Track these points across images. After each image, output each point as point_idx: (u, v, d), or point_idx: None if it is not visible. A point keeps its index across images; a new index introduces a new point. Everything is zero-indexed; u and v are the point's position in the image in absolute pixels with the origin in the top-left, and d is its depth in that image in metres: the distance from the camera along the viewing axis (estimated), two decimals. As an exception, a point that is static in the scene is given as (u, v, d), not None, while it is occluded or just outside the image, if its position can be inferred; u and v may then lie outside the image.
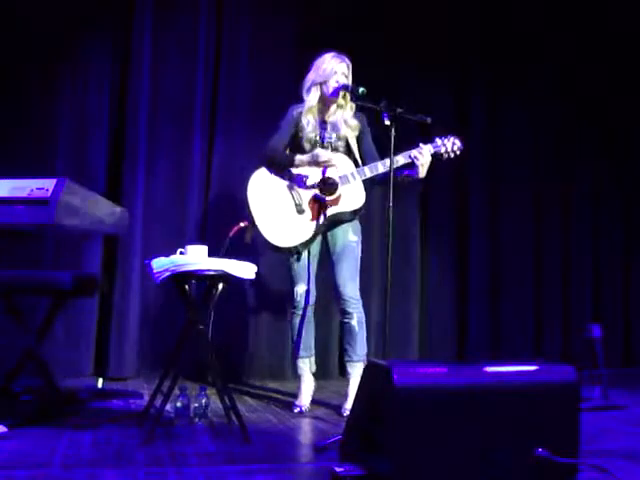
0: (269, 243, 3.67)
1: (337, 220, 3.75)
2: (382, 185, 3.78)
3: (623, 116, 6.06)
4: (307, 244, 3.73)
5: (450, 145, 3.71)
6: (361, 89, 3.50)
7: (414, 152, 3.64)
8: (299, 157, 3.72)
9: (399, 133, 3.26)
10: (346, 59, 3.78)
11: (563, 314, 5.89)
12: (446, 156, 3.73)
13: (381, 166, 3.66)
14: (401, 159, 3.63)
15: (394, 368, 2.24)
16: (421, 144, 3.67)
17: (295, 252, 3.75)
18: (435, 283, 5.63)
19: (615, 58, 5.93)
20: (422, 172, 3.67)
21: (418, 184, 4.22)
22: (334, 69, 3.72)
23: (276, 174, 3.76)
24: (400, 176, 3.68)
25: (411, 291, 5.48)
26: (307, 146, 3.79)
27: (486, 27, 5.74)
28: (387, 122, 3.24)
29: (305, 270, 3.82)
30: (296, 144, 3.82)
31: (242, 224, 3.64)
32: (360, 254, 3.84)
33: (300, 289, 3.83)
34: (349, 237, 3.80)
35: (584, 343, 4.26)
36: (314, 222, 3.69)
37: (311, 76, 3.79)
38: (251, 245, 3.74)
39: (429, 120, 3.45)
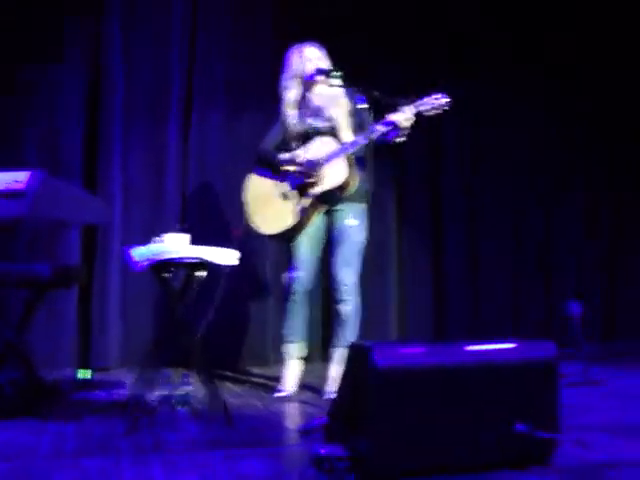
0: (260, 234, 3.79)
1: (326, 200, 3.73)
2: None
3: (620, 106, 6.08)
4: (297, 228, 3.74)
5: (435, 102, 3.57)
6: (337, 72, 3.50)
7: (393, 117, 3.54)
8: (280, 156, 3.77)
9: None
10: (314, 43, 3.79)
11: (543, 291, 5.92)
12: (432, 112, 3.58)
13: (362, 139, 3.59)
14: (382, 128, 3.56)
15: (375, 349, 2.26)
16: (404, 107, 3.55)
17: (290, 237, 3.78)
18: (412, 265, 5.62)
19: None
20: (403, 134, 3.60)
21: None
22: (305, 56, 3.74)
23: (267, 171, 3.83)
24: (385, 140, 3.62)
25: (388, 274, 5.48)
26: (293, 143, 3.81)
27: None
28: (364, 105, 3.25)
29: (301, 255, 3.81)
30: (286, 141, 3.85)
31: (236, 230, 3.87)
32: (362, 239, 3.77)
33: (294, 273, 3.82)
34: (346, 221, 3.75)
35: (563, 320, 4.30)
36: (298, 205, 3.70)
37: (286, 74, 3.81)
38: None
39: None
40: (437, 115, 3.63)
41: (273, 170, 3.81)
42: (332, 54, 3.82)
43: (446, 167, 5.73)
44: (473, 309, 5.74)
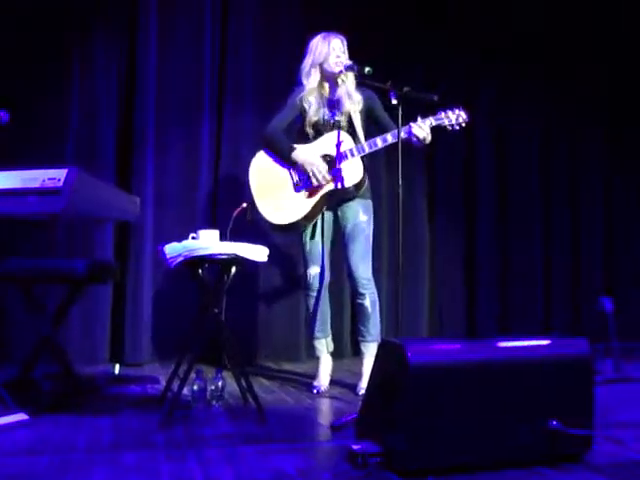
0: (267, 221, 3.72)
1: (338, 196, 3.75)
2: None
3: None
4: (305, 221, 3.75)
5: (455, 117, 3.63)
6: (367, 68, 3.50)
7: (413, 127, 3.59)
8: (295, 154, 3.72)
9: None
10: (339, 35, 3.80)
11: (574, 290, 5.89)
12: (450, 129, 3.65)
13: (380, 141, 3.63)
14: (401, 134, 3.50)
15: (408, 345, 2.26)
16: (419, 118, 3.61)
17: (295, 229, 3.79)
18: (444, 264, 5.65)
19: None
20: (422, 142, 3.64)
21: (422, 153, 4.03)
22: (331, 46, 3.74)
23: (276, 157, 3.79)
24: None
25: (420, 273, 5.50)
26: (310, 130, 3.81)
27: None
28: (394, 101, 3.24)
29: (317, 251, 3.84)
30: (300, 127, 3.86)
31: (244, 204, 3.66)
32: (371, 233, 3.84)
33: (312, 270, 3.86)
34: (359, 217, 3.80)
35: (596, 316, 4.27)
36: (311, 199, 3.71)
37: (309, 59, 3.80)
38: (259, 227, 3.78)
39: (436, 98, 3.43)
40: (459, 128, 3.66)
41: (284, 158, 3.76)
42: (362, 51, 3.83)
43: (478, 172, 5.73)
44: (503, 311, 5.73)
